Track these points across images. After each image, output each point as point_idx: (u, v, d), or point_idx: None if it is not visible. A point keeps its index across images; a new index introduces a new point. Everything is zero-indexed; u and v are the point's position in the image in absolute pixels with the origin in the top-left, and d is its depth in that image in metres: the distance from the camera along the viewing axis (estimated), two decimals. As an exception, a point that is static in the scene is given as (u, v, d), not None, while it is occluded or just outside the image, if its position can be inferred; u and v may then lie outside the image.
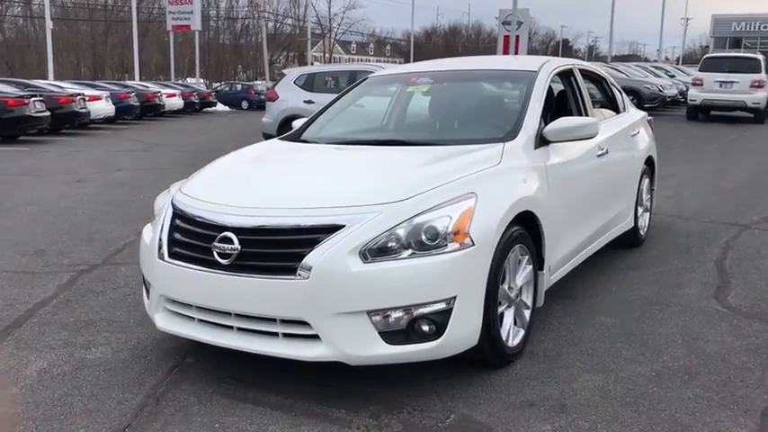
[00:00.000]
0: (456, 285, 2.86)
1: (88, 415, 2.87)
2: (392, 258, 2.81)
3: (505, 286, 3.24)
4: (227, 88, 38.32)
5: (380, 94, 4.67)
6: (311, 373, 3.15)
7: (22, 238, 5.97)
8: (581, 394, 3.02)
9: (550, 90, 4.42)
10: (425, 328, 2.86)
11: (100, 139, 17.11)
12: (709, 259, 5.18)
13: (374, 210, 2.88)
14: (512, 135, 3.66)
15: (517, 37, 30.32)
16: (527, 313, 3.47)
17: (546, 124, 3.84)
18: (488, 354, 3.15)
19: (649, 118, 6.03)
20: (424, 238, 2.85)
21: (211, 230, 3.02)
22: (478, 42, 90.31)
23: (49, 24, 29.02)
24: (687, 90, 20.92)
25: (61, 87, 19.79)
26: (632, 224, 5.28)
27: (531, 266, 3.45)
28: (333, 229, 2.83)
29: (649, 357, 3.41)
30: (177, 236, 3.17)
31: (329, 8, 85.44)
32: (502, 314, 3.26)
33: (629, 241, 5.44)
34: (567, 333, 3.73)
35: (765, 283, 4.60)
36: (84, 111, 18.49)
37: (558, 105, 4.50)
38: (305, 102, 11.79)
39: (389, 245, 2.82)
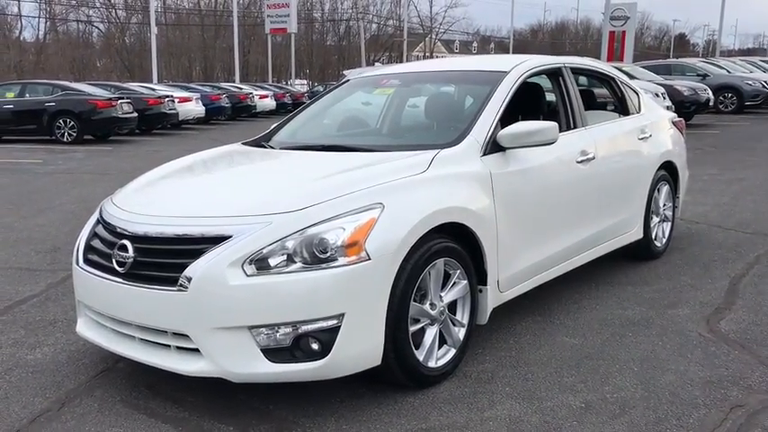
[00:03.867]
0: (345, 302, 2.70)
1: (-10, 417, 2.93)
2: (278, 272, 2.69)
3: (426, 303, 3.05)
4: (321, 89, 39.01)
5: (355, 97, 4.53)
6: (224, 386, 3.07)
7: (47, 236, 6.26)
8: (488, 424, 2.78)
9: (529, 92, 4.14)
10: (312, 346, 2.72)
11: (185, 139, 17.81)
12: (725, 276, 4.69)
13: (263, 220, 2.76)
14: (456, 141, 3.43)
15: (623, 33, 29.24)
16: (460, 332, 3.25)
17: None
18: (398, 375, 2.96)
19: (677, 119, 5.55)
20: (315, 250, 2.71)
21: (115, 237, 3.01)
22: (587, 39, 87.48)
23: (154, 30, 30.59)
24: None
25: (153, 89, 20.77)
26: (641, 234, 4.87)
27: (467, 282, 3.23)
28: (219, 239, 2.74)
29: (590, 386, 3.10)
30: (93, 242, 3.19)
31: (431, 7, 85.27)
32: (422, 331, 3.07)
33: (640, 253, 5.03)
34: (516, 353, 3.47)
35: (774, 305, 4.11)
36: (173, 112, 19.35)
37: (537, 108, 4.20)
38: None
39: (277, 257, 2.70)
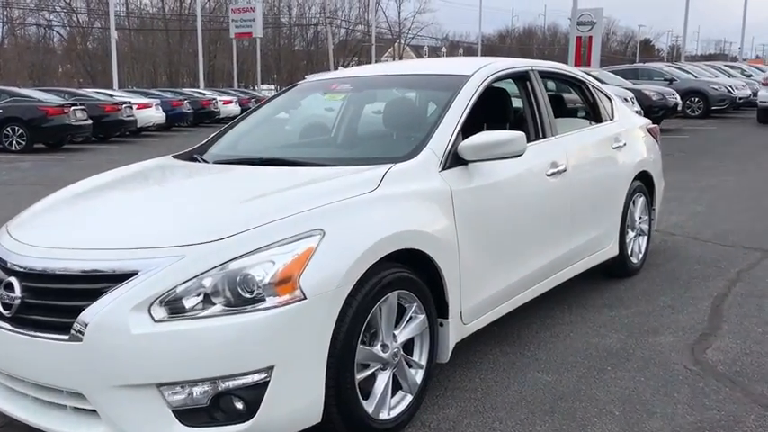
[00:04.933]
0: (275, 352, 2.25)
1: None
2: (193, 316, 2.22)
3: (376, 345, 2.61)
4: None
5: (303, 104, 4.08)
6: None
7: None
8: (448, 491, 2.35)
9: (494, 98, 3.74)
10: (235, 405, 2.26)
11: (143, 146, 17.14)
12: (707, 295, 4.34)
13: (177, 252, 2.30)
14: (411, 154, 3.01)
15: (590, 38, 29.26)
16: (418, 374, 2.82)
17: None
18: (342, 431, 2.52)
19: (652, 126, 5.20)
20: (239, 289, 2.26)
21: (4, 273, 2.52)
22: (554, 44, 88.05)
23: (114, 35, 29.79)
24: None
25: (111, 95, 20.07)
26: (616, 251, 4.50)
27: (425, 316, 2.80)
28: (122, 276, 2.27)
29: (566, 436, 2.69)
30: (-18, 279, 2.69)
31: (399, 12, 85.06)
32: (372, 378, 2.63)
33: (615, 270, 4.66)
34: (482, 395, 3.05)
35: (762, 330, 3.75)
36: (131, 119, 18.66)
37: (504, 115, 3.80)
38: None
39: (192, 298, 2.24)
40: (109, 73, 54.05)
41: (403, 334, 2.73)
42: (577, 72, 4.57)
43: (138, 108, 19.46)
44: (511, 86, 3.99)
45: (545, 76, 4.17)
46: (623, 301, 4.26)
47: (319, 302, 2.31)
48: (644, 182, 4.85)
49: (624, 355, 3.45)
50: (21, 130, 15.08)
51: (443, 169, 3.03)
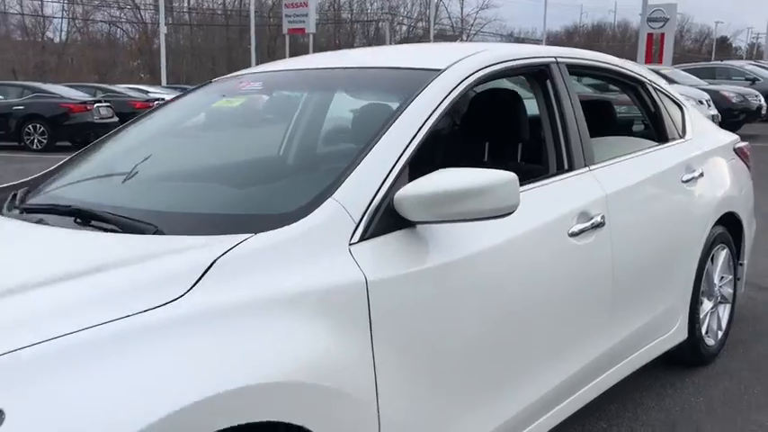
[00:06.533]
0: None
1: None
2: None
3: None
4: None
5: (197, 111, 2.71)
6: None
7: None
8: None
9: (490, 109, 2.35)
10: None
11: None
12: (827, 411, 2.82)
13: None
14: (298, 212, 1.64)
15: (662, 35, 27.47)
16: None
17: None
18: None
19: (741, 144, 3.67)
20: None
21: None
22: (624, 42, 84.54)
23: (163, 30, 29.39)
24: None
25: (145, 92, 19.31)
26: (685, 334, 3.03)
27: None
28: None
29: None
30: None
31: (461, 8, 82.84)
32: None
33: (681, 358, 3.20)
34: None
35: None
36: (163, 116, 17.82)
37: (507, 137, 2.40)
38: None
39: None
40: (172, 68, 54.26)
41: None
42: (631, 67, 3.08)
43: (173, 105, 18.61)
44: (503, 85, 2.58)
45: (577, 71, 2.73)
46: (691, 417, 2.79)
47: None
48: (728, 226, 3.35)
49: None
50: (42, 128, 14.32)
51: (363, 238, 1.66)
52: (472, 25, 73.03)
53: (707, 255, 3.13)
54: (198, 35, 59.13)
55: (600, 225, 2.33)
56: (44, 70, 46.54)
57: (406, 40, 66.76)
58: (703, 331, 3.22)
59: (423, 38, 66.60)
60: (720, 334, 3.39)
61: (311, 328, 1.46)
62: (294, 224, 1.59)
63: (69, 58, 53.70)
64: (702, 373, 3.20)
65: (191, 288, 1.37)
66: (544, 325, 2.13)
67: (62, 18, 55.65)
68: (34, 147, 14.35)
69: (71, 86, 17.41)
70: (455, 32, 72.57)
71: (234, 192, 1.93)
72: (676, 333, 2.97)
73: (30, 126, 14.34)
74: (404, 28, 67.99)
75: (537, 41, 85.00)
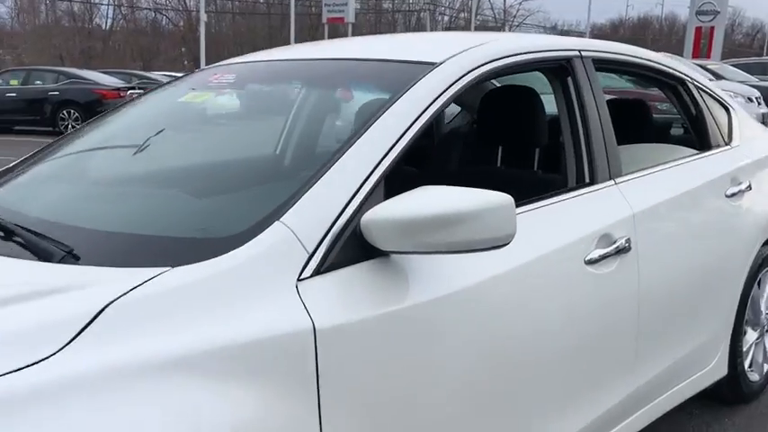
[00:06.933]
0: None
1: None
2: None
3: None
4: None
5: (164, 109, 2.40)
6: None
7: None
8: None
9: (502, 109, 2.02)
10: None
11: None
12: None
13: None
14: (236, 239, 1.33)
15: (711, 28, 26.54)
16: None
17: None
18: None
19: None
20: None
21: None
22: (671, 35, 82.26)
23: (203, 17, 29.44)
24: None
25: (181, 79, 19.28)
26: (724, 370, 2.65)
27: None
28: None
29: None
30: None
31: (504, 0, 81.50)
32: None
33: (720, 396, 2.82)
34: None
35: None
36: (198, 104, 17.75)
37: (519, 138, 2.07)
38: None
39: None
40: (217, 57, 54.57)
41: None
42: (669, 63, 2.69)
43: (208, 93, 18.54)
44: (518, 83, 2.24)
45: (605, 66, 2.36)
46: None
47: None
48: (779, 247, 2.95)
49: None
50: (76, 114, 14.35)
51: (318, 272, 1.34)
52: (515, 17, 71.86)
53: (753, 279, 2.75)
54: (241, 24, 59.24)
55: (625, 250, 1.98)
56: (90, 56, 47.12)
57: (449, 30, 66.03)
58: (746, 365, 2.83)
59: (464, 29, 65.82)
60: (766, 368, 2.99)
61: (228, 393, 1.15)
62: (226, 255, 1.28)
63: (115, 44, 54.30)
64: (744, 413, 2.83)
65: (67, 344, 1.06)
66: (551, 375, 1.79)
67: (108, 5, 56.28)
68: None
69: (108, 73, 17.41)
70: (497, 24, 71.46)
71: (164, 208, 1.62)
72: (715, 369, 2.60)
73: (64, 111, 14.39)
74: (446, 18, 67.26)
75: (581, 34, 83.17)
